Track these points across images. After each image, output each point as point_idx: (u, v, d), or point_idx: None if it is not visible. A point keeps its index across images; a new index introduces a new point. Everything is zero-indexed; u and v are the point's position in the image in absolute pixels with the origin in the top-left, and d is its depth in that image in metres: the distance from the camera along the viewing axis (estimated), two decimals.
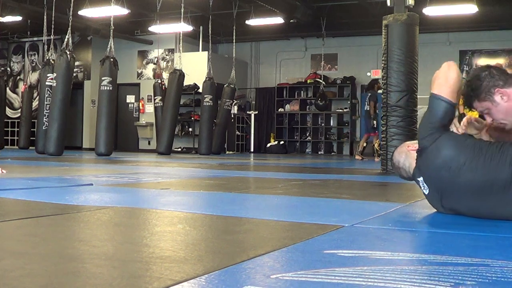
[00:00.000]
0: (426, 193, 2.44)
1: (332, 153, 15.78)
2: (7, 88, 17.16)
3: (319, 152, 15.99)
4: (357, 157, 11.26)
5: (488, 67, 2.55)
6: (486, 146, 2.31)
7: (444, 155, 2.31)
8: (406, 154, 2.57)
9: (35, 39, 16.76)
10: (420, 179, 2.44)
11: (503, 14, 12.68)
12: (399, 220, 2.35)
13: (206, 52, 14.24)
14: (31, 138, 13.92)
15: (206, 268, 1.35)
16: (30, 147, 13.71)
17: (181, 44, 12.79)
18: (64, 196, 3.06)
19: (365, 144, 11.34)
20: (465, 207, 2.30)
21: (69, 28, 10.54)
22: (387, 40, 6.24)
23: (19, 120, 15.35)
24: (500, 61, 13.94)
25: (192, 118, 15.05)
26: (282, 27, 14.46)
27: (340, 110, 15.78)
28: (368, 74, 15.25)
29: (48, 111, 10.61)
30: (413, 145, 2.57)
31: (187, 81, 13.39)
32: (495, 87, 2.46)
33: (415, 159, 2.49)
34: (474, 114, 2.90)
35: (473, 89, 2.49)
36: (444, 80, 2.40)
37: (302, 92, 16.40)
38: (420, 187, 2.47)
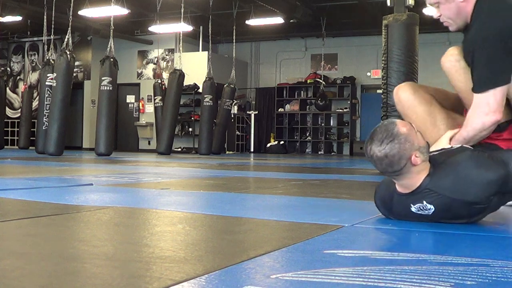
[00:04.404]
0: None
1: (332, 153, 15.78)
2: (7, 88, 17.16)
3: (319, 152, 15.99)
4: None
5: None
6: None
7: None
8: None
9: (35, 39, 16.76)
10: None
11: None
12: (399, 220, 2.35)
13: (206, 52, 14.25)
14: (31, 138, 13.93)
15: (206, 268, 1.35)
16: (30, 147, 13.72)
17: (181, 44, 12.80)
18: (64, 196, 3.06)
19: None
20: None
21: (69, 28, 10.54)
22: (387, 40, 6.25)
23: (19, 120, 15.35)
24: None
25: (192, 118, 15.05)
26: (282, 27, 14.47)
27: (340, 110, 15.78)
28: (368, 74, 15.26)
29: (48, 111, 10.62)
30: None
31: (187, 81, 13.40)
32: None
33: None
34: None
35: None
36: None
37: (302, 92, 16.40)
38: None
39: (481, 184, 1.93)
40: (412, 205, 2.04)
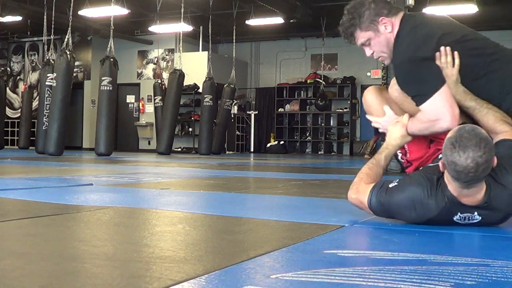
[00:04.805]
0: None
1: (332, 153, 15.78)
2: (7, 88, 17.16)
3: (319, 152, 15.99)
4: (366, 156, 11.56)
5: None
6: None
7: None
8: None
9: (35, 39, 16.76)
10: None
11: (503, 14, 12.67)
12: (399, 220, 2.35)
13: (206, 52, 14.24)
14: (31, 138, 13.92)
15: (206, 268, 1.35)
16: (30, 147, 13.71)
17: (181, 44, 12.80)
18: (64, 196, 3.06)
19: (374, 145, 11.62)
20: None
21: (69, 28, 10.54)
22: None
23: (19, 120, 15.34)
24: None
25: (192, 118, 15.05)
26: (282, 27, 14.46)
27: (340, 110, 15.78)
28: (368, 74, 15.26)
29: (48, 111, 10.62)
30: None
31: (187, 81, 13.39)
32: (379, 15, 2.29)
33: None
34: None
35: (355, 17, 2.31)
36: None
37: (302, 92, 16.40)
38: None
39: None
40: (459, 213, 1.99)
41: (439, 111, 2.20)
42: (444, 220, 2.02)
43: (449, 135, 1.92)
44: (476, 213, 1.97)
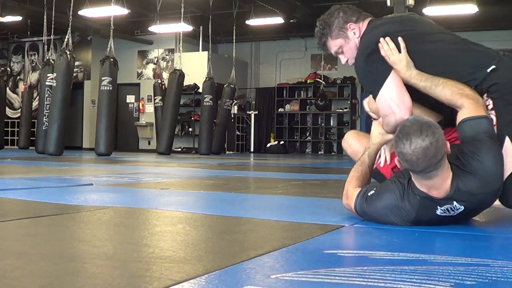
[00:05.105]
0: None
1: (332, 153, 15.78)
2: (7, 88, 17.16)
3: (319, 152, 15.99)
4: None
5: (340, 5, 2.46)
6: None
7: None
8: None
9: (35, 39, 16.75)
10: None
11: (503, 14, 12.67)
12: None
13: (206, 52, 14.24)
14: (31, 138, 13.92)
15: (206, 268, 1.35)
16: (30, 147, 13.71)
17: (181, 44, 12.80)
18: (64, 196, 3.06)
19: None
20: None
21: (69, 28, 10.54)
22: None
23: (19, 120, 15.34)
24: None
25: (192, 118, 15.04)
26: (282, 27, 14.46)
27: (340, 110, 15.77)
28: None
29: (48, 111, 10.61)
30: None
31: (187, 81, 13.39)
32: (348, 22, 2.37)
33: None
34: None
35: (325, 27, 2.39)
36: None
37: (302, 92, 16.40)
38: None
39: (501, 167, 1.98)
40: (439, 207, 1.97)
41: (386, 104, 2.22)
42: (430, 218, 2.01)
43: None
44: (455, 202, 1.95)
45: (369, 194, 2.10)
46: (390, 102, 2.19)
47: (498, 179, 1.97)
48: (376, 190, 2.10)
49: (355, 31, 2.37)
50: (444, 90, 2.15)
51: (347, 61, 2.44)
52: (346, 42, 2.38)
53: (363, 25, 2.39)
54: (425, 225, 2.03)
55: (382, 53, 2.25)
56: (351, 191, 2.21)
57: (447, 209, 1.97)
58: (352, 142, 2.64)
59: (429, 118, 1.94)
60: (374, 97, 2.29)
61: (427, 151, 1.82)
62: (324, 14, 2.47)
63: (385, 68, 2.24)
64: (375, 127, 2.38)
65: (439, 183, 1.92)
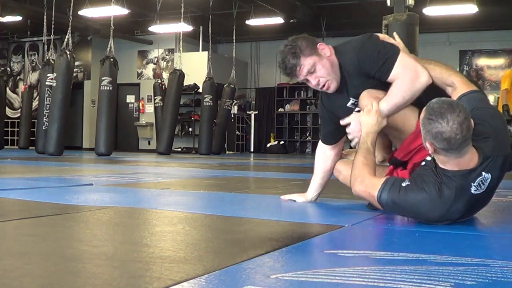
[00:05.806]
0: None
1: None
2: (7, 88, 17.15)
3: None
4: None
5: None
6: None
7: None
8: None
9: (35, 39, 16.75)
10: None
11: (503, 14, 12.68)
12: (399, 220, 2.35)
13: (206, 52, 14.24)
14: (31, 138, 13.92)
15: (206, 268, 1.35)
16: (30, 147, 13.71)
17: (181, 44, 12.79)
18: (64, 196, 3.06)
19: None
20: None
21: (69, 28, 10.54)
22: None
23: (19, 120, 15.34)
24: (500, 61, 13.94)
25: (192, 118, 15.04)
26: (282, 27, 14.45)
27: None
28: None
29: (48, 111, 10.61)
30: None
31: (187, 81, 13.39)
32: (316, 43, 2.46)
33: None
34: None
35: (296, 49, 2.40)
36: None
37: (302, 92, 16.39)
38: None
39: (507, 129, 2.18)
40: (472, 185, 2.00)
41: (414, 66, 2.31)
42: (467, 200, 2.02)
43: (420, 117, 2.00)
44: (483, 173, 2.00)
45: (402, 185, 2.07)
46: (416, 66, 2.30)
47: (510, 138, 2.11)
48: (411, 181, 2.07)
49: (325, 50, 2.43)
50: (435, 70, 2.33)
51: (318, 81, 2.42)
52: (320, 59, 2.41)
53: (329, 46, 2.48)
54: (461, 211, 2.02)
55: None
56: (371, 179, 2.19)
57: (478, 184, 2.00)
58: (341, 169, 2.72)
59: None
60: (388, 67, 2.32)
61: (463, 125, 1.89)
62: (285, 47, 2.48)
63: (392, 44, 2.39)
64: (370, 117, 2.34)
65: (469, 158, 1.98)
